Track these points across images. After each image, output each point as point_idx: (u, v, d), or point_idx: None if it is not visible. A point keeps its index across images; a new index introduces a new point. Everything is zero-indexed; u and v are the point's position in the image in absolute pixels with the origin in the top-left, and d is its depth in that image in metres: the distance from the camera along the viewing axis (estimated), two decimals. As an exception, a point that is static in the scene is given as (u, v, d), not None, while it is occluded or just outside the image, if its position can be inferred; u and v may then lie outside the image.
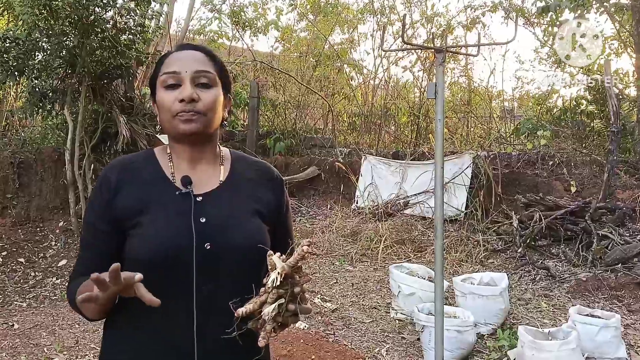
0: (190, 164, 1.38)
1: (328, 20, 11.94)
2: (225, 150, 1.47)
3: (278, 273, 1.11)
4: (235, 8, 10.73)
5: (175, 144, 1.38)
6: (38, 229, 6.61)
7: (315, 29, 11.50)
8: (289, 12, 12.10)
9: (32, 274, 5.78)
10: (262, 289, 1.14)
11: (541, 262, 5.61)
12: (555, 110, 9.51)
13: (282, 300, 1.12)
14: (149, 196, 1.32)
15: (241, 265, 1.30)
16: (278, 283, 1.11)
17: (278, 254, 1.16)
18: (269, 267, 1.14)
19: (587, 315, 3.88)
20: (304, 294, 1.16)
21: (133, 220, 1.29)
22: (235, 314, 1.13)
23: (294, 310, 1.14)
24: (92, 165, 6.59)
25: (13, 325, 4.59)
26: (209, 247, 1.27)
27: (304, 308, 1.17)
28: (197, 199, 1.32)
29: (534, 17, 9.02)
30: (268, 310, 1.11)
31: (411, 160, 7.85)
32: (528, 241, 5.88)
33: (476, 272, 5.34)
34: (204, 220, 1.30)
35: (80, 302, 1.23)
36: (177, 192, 1.33)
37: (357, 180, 7.85)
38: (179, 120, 1.31)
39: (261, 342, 1.13)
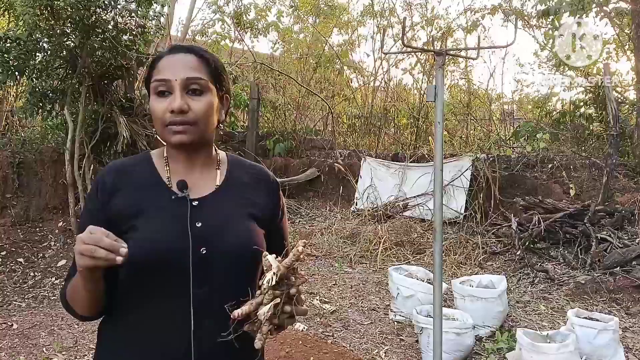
0: (187, 167, 1.38)
1: (328, 22, 11.96)
2: (222, 154, 1.46)
3: (273, 273, 1.10)
4: (238, 9, 10.73)
5: (171, 149, 1.39)
6: (37, 229, 6.60)
7: (315, 30, 11.51)
8: (289, 14, 12.11)
9: (32, 274, 5.78)
10: (258, 291, 1.14)
11: (540, 265, 5.62)
12: (554, 113, 9.53)
13: (278, 301, 1.12)
14: (144, 200, 1.32)
15: (237, 269, 1.30)
16: (274, 283, 1.10)
17: (273, 255, 1.15)
18: (264, 268, 1.14)
19: (585, 318, 3.89)
20: (300, 295, 1.16)
21: (128, 224, 1.28)
22: (231, 317, 1.12)
23: (290, 311, 1.14)
24: (92, 165, 6.59)
25: (12, 325, 4.59)
26: (204, 251, 1.27)
27: (300, 309, 1.17)
28: (193, 204, 1.32)
29: (534, 20, 9.02)
30: (264, 311, 1.10)
31: (411, 162, 7.86)
32: (527, 244, 5.89)
33: (475, 274, 5.35)
34: (199, 224, 1.29)
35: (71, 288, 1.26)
36: (172, 197, 1.32)
37: (356, 182, 7.86)
38: (170, 132, 1.30)
39: (257, 344, 1.12)
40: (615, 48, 9.39)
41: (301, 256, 1.11)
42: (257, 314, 1.11)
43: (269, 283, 1.11)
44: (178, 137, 1.30)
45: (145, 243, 1.25)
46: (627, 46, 8.88)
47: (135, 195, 1.33)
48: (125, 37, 6.47)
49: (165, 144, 1.41)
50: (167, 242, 1.26)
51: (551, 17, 7.48)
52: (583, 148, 8.14)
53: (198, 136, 1.33)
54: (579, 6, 6.74)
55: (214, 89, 1.36)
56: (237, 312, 1.12)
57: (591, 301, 4.88)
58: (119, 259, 1.12)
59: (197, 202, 1.33)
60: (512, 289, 5.21)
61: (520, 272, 5.60)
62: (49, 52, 6.26)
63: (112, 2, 6.10)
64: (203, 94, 1.32)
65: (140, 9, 6.48)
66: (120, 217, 1.30)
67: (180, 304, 1.26)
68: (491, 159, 7.33)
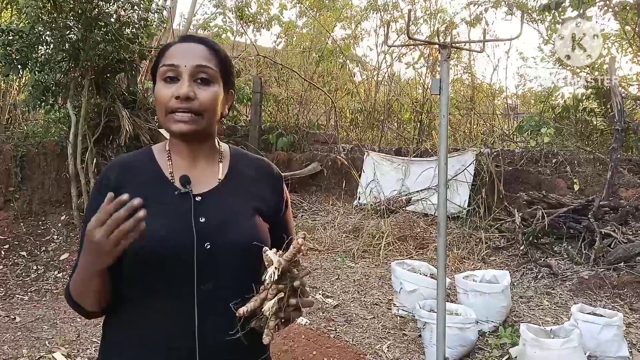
0: (189, 161, 1.37)
1: (330, 15, 11.92)
2: (224, 147, 1.45)
3: (275, 268, 1.11)
4: (239, 3, 10.70)
5: (174, 140, 1.37)
6: (40, 223, 6.61)
7: (318, 23, 11.48)
8: (292, 7, 12.08)
9: (34, 267, 5.79)
10: (262, 287, 1.14)
11: (543, 260, 5.60)
12: (557, 107, 9.48)
13: (282, 295, 1.12)
14: (148, 196, 1.28)
15: (241, 263, 1.28)
16: (276, 278, 1.11)
17: (274, 249, 1.15)
18: (266, 264, 1.14)
19: (589, 313, 3.88)
20: (304, 287, 1.15)
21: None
22: (237, 314, 1.12)
23: (296, 304, 1.14)
24: (95, 159, 6.58)
25: (15, 318, 4.60)
26: (208, 246, 1.26)
27: (305, 301, 1.17)
28: (197, 199, 1.31)
29: (536, 14, 8.96)
30: (268, 306, 1.11)
31: (414, 156, 7.84)
32: (530, 239, 5.87)
33: (478, 269, 5.34)
34: (203, 220, 1.28)
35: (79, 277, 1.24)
36: (176, 192, 1.31)
37: (359, 176, 7.85)
38: (173, 120, 1.29)
39: (266, 340, 1.13)
40: (618, 42, 9.34)
41: (302, 248, 1.11)
42: (262, 309, 1.11)
43: (271, 278, 1.11)
44: (180, 126, 1.29)
45: (150, 239, 1.24)
46: (631, 40, 8.83)
47: (139, 191, 1.29)
48: (127, 30, 6.46)
49: (167, 137, 1.40)
50: (172, 238, 1.25)
51: (553, 11, 7.41)
52: (587, 143, 8.11)
53: (201, 127, 1.31)
54: (581, 0, 6.67)
55: (221, 82, 1.35)
56: (242, 310, 1.12)
57: (595, 297, 4.86)
58: (141, 213, 1.09)
59: (200, 198, 1.32)
60: (515, 284, 5.19)
61: (523, 267, 5.59)
62: (51, 45, 6.25)
63: (115, -5, 6.09)
64: (210, 84, 1.31)
65: (142, 1, 6.46)
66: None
67: (185, 300, 1.25)
68: (495, 153, 7.31)
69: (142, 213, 1.09)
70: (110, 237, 1.09)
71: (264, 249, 1.16)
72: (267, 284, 1.12)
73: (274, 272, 1.11)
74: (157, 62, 1.35)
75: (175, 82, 1.29)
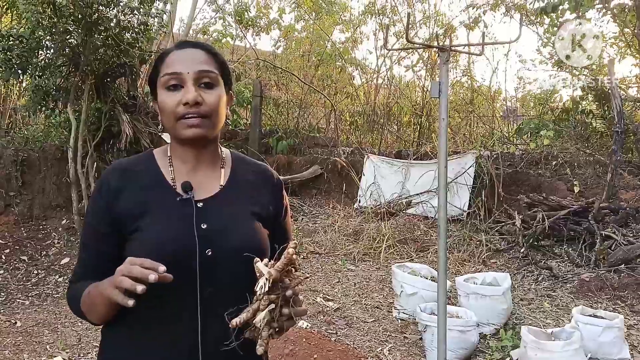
0: (191, 167, 1.37)
1: (328, 19, 11.93)
2: (226, 152, 1.46)
3: (265, 279, 1.11)
4: (238, 7, 10.73)
5: (177, 145, 1.37)
6: (41, 227, 6.62)
7: (317, 27, 11.49)
8: (292, 11, 12.10)
9: (35, 271, 5.79)
10: (255, 297, 1.14)
11: (544, 262, 5.61)
12: (556, 110, 9.49)
13: (273, 306, 1.12)
14: (149, 201, 1.31)
15: (242, 269, 1.27)
16: (267, 289, 1.10)
17: (265, 260, 1.15)
18: (257, 274, 1.14)
19: (590, 315, 3.88)
20: (297, 296, 1.15)
21: (133, 225, 1.28)
22: (230, 325, 1.12)
23: (288, 314, 1.14)
24: (95, 163, 6.59)
25: (16, 323, 4.60)
26: (210, 252, 1.26)
27: (298, 310, 1.16)
28: (198, 205, 1.31)
29: (534, 16, 8.97)
30: (260, 318, 1.11)
31: (414, 159, 7.84)
32: (531, 241, 5.87)
33: (479, 272, 5.34)
34: (205, 226, 1.29)
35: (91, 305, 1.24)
36: (177, 198, 1.31)
37: (359, 179, 7.85)
38: (183, 125, 1.29)
39: (259, 350, 1.12)
40: (615, 43, 9.35)
41: (293, 258, 1.11)
42: (254, 321, 1.11)
43: (262, 289, 1.11)
44: (193, 131, 1.29)
45: (152, 244, 1.24)
46: (630, 42, 8.84)
47: (140, 196, 1.32)
48: (127, 35, 6.48)
49: (168, 142, 1.40)
50: (174, 244, 1.25)
51: (551, 14, 7.42)
52: (587, 145, 8.11)
53: (210, 130, 1.32)
54: (578, 2, 6.68)
55: (222, 83, 1.36)
56: (235, 321, 1.12)
57: (596, 299, 4.86)
58: (140, 288, 1.10)
59: (201, 204, 1.32)
60: (516, 286, 5.19)
61: (524, 270, 5.59)
62: (51, 49, 6.28)
63: (115, 0, 6.10)
64: (214, 87, 1.32)
65: (142, 6, 6.48)
66: (126, 218, 1.29)
67: (187, 305, 1.25)
68: (495, 156, 7.31)
69: (162, 269, 1.12)
70: (123, 274, 1.12)
71: (254, 260, 1.16)
72: (259, 294, 1.12)
73: (264, 284, 1.11)
74: (157, 71, 1.35)
75: (179, 89, 1.30)
